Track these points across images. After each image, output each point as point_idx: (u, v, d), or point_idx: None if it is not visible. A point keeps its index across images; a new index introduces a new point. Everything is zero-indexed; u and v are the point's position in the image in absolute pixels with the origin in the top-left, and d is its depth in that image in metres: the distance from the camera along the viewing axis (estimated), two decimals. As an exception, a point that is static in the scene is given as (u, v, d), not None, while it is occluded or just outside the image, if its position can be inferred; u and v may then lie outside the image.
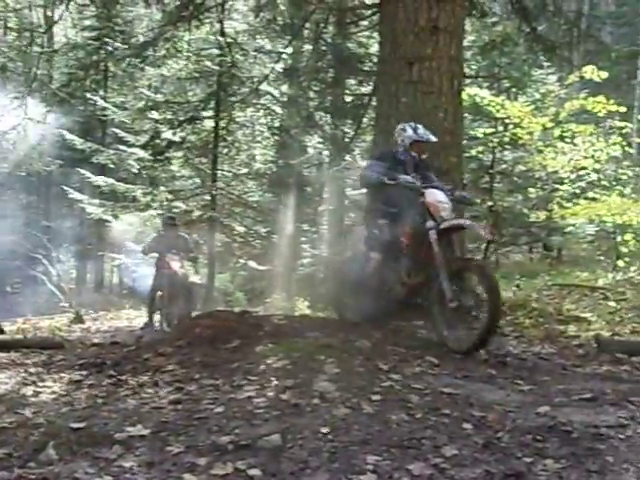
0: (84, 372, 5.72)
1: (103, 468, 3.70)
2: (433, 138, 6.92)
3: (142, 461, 3.79)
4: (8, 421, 4.36)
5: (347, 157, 14.84)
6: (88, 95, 18.13)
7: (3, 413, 4.58)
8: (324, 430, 4.12)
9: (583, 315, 8.30)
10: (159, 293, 11.33)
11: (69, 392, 5.18)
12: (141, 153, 14.82)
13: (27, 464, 3.70)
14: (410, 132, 6.99)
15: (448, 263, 6.39)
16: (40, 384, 5.44)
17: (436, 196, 6.69)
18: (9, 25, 23.66)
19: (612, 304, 9.08)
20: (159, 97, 15.02)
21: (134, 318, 10.56)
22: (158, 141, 13.95)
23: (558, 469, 3.70)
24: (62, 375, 5.67)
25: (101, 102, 17.49)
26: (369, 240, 7.17)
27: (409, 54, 7.40)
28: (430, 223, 6.52)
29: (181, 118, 13.90)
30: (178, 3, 11.56)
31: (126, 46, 14.94)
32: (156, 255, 11.72)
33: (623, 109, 14.16)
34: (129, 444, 4.00)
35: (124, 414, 4.52)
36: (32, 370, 6.02)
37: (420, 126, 6.87)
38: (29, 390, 5.24)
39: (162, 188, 15.05)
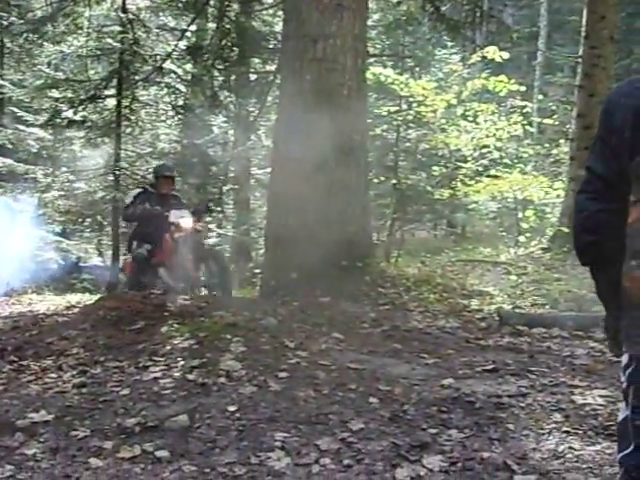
0: (-17, 359, 5.55)
1: (4, 457, 3.63)
2: None
3: (46, 447, 3.73)
4: None
5: (252, 136, 14.78)
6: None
7: None
8: (231, 409, 4.13)
9: (486, 289, 8.50)
10: (161, 270, 8.49)
11: (-33, 379, 5.03)
12: (41, 133, 14.41)
13: None
14: None
15: None
16: (-64, 372, 5.26)
17: None
18: None
19: (513, 278, 9.32)
20: (59, 75, 14.56)
21: (36, 303, 10.28)
22: (58, 120, 13.54)
23: (462, 438, 3.80)
24: (-41, 362, 5.49)
25: (-2, 80, 16.96)
26: None
27: (313, 32, 7.38)
28: None
29: (82, 97, 13.52)
30: (78, -23, 11.26)
31: (23, 21, 14.42)
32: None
33: (523, 88, 14.49)
34: (32, 430, 3.92)
35: (26, 400, 4.42)
36: None
37: None
38: None
39: (63, 169, 14.67)
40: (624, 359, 1.88)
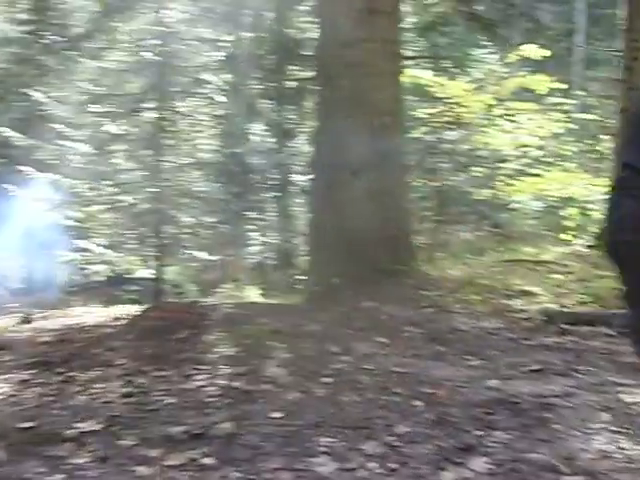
0: (32, 371, 5.61)
1: (55, 466, 3.65)
2: None
3: (95, 456, 3.75)
4: (-46, 424, 4.29)
5: (292, 143, 14.83)
6: (26, 91, 17.83)
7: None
8: (276, 415, 4.13)
9: (530, 289, 8.38)
10: None
11: (17, 392, 5.09)
12: (84, 147, 14.61)
13: (-25, 467, 3.65)
14: None
15: None
16: (-13, 386, 5.35)
17: None
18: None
19: (558, 277, 9.19)
20: (99, 90, 14.77)
21: (84, 315, 10.40)
22: (100, 135, 13.75)
23: (508, 440, 3.77)
24: (9, 375, 5.55)
25: (40, 97, 17.21)
26: None
27: (346, 37, 7.38)
28: None
29: (122, 110, 13.69)
30: (114, -6, 11.43)
31: (63, 39, 14.66)
32: None
33: (564, 85, 14.31)
34: (81, 440, 3.95)
35: (74, 411, 4.46)
36: (-22, 372, 5.90)
37: None
38: (-25, 393, 5.15)
39: (107, 182, 14.85)
40: None
